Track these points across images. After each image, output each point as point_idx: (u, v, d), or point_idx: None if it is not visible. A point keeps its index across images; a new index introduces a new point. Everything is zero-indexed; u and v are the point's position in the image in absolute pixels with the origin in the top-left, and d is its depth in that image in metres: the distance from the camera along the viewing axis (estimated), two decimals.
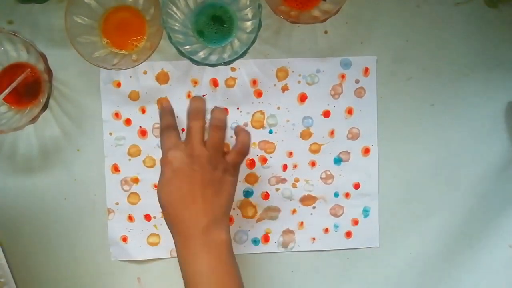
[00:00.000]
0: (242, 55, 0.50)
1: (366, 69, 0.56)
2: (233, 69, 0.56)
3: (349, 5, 0.54)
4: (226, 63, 0.50)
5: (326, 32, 0.56)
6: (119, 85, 0.56)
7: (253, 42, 0.50)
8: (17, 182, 0.56)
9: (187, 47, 0.51)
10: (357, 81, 0.57)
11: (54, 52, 0.53)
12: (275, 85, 0.56)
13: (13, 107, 0.54)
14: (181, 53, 0.50)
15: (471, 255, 0.59)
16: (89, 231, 0.57)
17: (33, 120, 0.51)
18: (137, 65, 0.52)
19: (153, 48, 0.51)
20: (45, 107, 0.51)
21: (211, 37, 0.54)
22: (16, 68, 0.53)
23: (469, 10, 0.56)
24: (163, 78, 0.56)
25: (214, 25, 0.54)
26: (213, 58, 0.52)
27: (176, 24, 0.51)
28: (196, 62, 0.50)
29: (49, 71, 0.51)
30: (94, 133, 0.56)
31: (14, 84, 0.51)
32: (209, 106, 0.56)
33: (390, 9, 0.56)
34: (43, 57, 0.51)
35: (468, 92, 0.57)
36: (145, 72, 0.55)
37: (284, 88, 0.56)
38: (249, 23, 0.52)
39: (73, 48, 0.50)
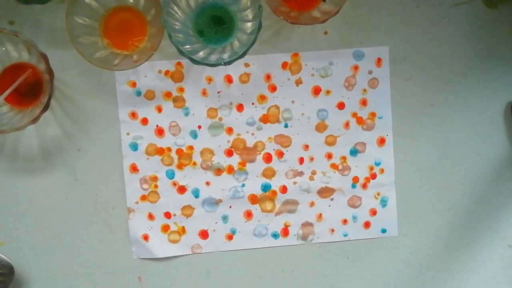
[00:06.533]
0: (241, 56, 0.50)
1: (379, 60, 0.57)
2: (246, 65, 0.56)
3: (349, 6, 0.54)
4: (225, 63, 0.50)
5: (326, 33, 0.56)
6: (134, 85, 0.56)
7: (253, 43, 0.50)
8: (18, 182, 0.56)
9: (187, 46, 0.51)
10: (370, 72, 0.57)
11: (55, 53, 0.54)
12: (288, 79, 0.56)
13: (14, 107, 0.54)
14: (181, 53, 0.50)
15: (471, 255, 0.59)
16: (90, 230, 0.57)
17: (35, 120, 0.51)
18: (137, 66, 0.52)
19: (154, 48, 0.51)
20: (46, 107, 0.51)
21: (211, 37, 0.54)
22: (17, 68, 0.53)
23: (469, 10, 0.56)
24: (178, 76, 0.56)
25: (215, 25, 0.54)
26: (213, 58, 0.52)
27: (177, 23, 0.52)
28: (196, 62, 0.50)
29: (50, 72, 0.51)
30: (95, 133, 0.56)
31: (15, 84, 0.52)
32: (224, 102, 0.56)
33: (390, 9, 0.56)
34: (45, 58, 0.51)
35: (468, 92, 0.57)
36: (160, 71, 0.56)
37: (298, 82, 0.56)
38: (249, 24, 0.52)
39: (74, 49, 0.51)
